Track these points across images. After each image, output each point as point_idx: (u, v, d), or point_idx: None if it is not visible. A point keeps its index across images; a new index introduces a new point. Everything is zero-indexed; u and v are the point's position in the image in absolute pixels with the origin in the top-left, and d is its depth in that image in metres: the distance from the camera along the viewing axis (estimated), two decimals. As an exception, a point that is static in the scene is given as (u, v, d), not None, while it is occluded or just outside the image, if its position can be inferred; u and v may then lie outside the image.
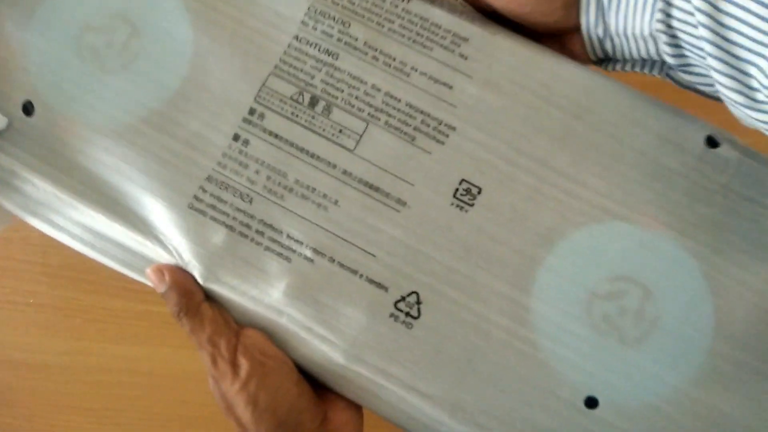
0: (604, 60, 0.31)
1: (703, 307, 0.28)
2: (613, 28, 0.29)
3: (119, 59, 0.29)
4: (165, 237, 0.28)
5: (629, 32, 0.28)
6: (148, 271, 0.28)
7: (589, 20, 0.29)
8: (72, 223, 0.29)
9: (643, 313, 0.28)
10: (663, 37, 0.27)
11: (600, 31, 0.29)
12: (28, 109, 0.29)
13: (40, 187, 0.29)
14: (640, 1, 0.27)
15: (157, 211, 0.28)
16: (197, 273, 0.28)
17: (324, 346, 0.28)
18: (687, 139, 0.29)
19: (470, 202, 0.28)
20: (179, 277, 0.28)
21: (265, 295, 0.28)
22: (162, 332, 0.44)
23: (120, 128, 0.29)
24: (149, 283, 0.28)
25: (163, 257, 0.28)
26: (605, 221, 0.28)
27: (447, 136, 0.29)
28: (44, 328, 0.47)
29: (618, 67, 0.31)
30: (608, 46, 0.30)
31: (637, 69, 0.31)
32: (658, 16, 0.27)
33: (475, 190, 0.28)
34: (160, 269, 0.28)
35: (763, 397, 0.27)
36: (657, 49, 0.29)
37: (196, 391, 0.43)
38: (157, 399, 0.45)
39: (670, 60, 0.28)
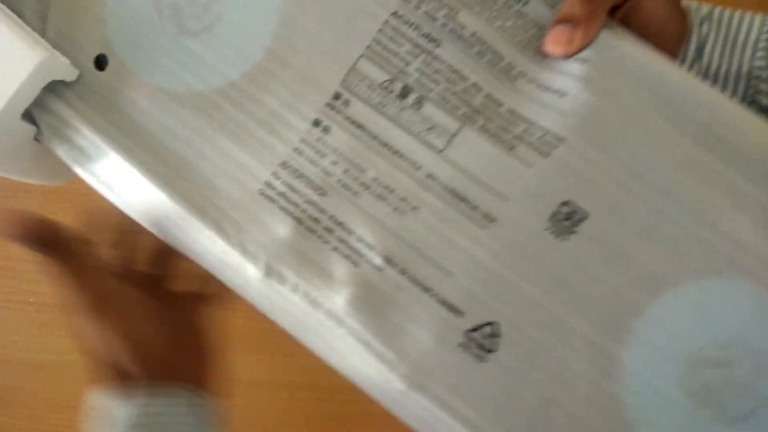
0: None
1: None
2: (705, 63, 0.27)
3: (200, 21, 0.26)
4: (227, 222, 0.26)
5: (723, 70, 0.27)
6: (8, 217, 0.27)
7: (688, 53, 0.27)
8: (128, 191, 0.27)
9: (750, 389, 0.24)
10: (765, 74, 0.25)
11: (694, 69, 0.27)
12: (100, 62, 0.27)
13: (103, 149, 0.26)
14: (739, 39, 0.26)
15: (223, 193, 0.26)
16: (259, 265, 0.26)
17: (382, 365, 0.25)
18: None
19: (571, 228, 0.25)
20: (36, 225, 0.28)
21: (327, 300, 0.25)
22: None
23: (195, 98, 0.26)
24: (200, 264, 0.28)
25: (219, 244, 0.26)
26: (729, 275, 0.24)
27: (554, 148, 0.25)
28: (44, 328, 0.47)
29: None
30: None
31: None
32: (760, 54, 0.25)
33: (578, 216, 0.24)
34: (18, 219, 0.28)
35: None
36: (749, 89, 0.27)
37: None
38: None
39: (766, 101, 0.26)
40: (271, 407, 0.42)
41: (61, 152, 0.27)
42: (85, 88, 0.27)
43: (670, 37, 0.28)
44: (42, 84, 0.26)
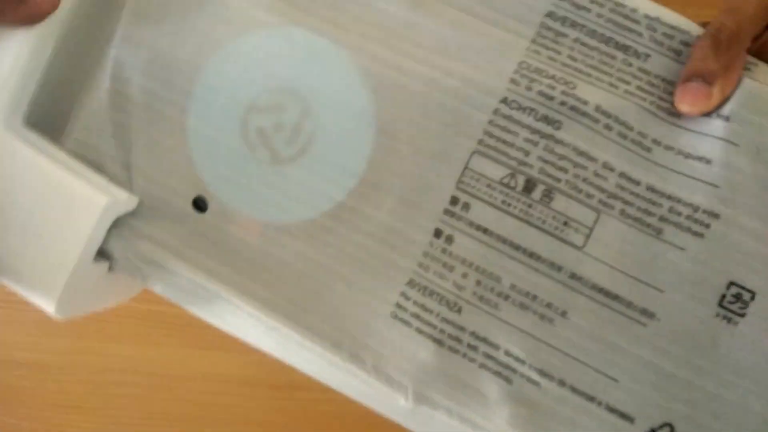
0: None
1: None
2: None
3: (292, 145, 0.25)
4: (365, 351, 0.24)
5: None
6: None
7: None
8: (250, 327, 0.26)
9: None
10: None
11: None
12: (199, 205, 0.25)
13: (215, 292, 0.25)
14: None
15: (354, 321, 0.24)
16: (407, 394, 0.24)
17: None
18: None
19: (741, 311, 0.22)
20: None
21: (486, 421, 0.23)
22: (163, 332, 0.44)
23: (305, 226, 0.24)
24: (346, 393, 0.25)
25: (360, 375, 0.24)
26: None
27: (707, 226, 0.22)
28: (44, 327, 0.47)
29: None
30: None
31: None
32: None
33: (746, 296, 0.22)
34: None
35: None
36: None
37: (197, 392, 0.43)
38: (157, 399, 0.45)
39: None
40: (270, 407, 0.42)
41: (178, 300, 0.26)
42: (188, 232, 0.25)
43: None
44: (107, 225, 0.25)
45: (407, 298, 0.24)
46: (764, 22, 0.23)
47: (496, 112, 0.23)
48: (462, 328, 0.23)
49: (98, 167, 0.25)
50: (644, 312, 0.23)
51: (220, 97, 0.25)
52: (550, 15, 0.24)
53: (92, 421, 0.46)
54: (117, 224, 0.25)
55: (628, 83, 0.23)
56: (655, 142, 0.23)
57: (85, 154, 0.25)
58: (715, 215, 0.22)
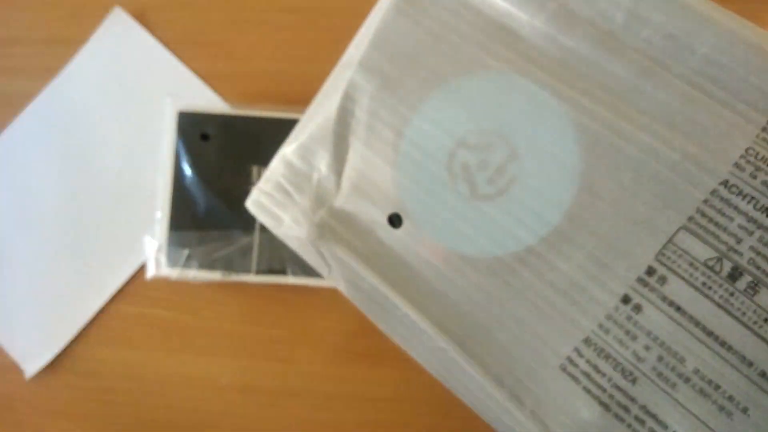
0: None
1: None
2: None
3: (494, 185, 0.25)
4: (527, 394, 0.24)
5: None
6: None
7: None
8: (421, 343, 0.26)
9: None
10: None
11: None
12: (394, 221, 0.27)
13: (395, 304, 0.26)
14: None
15: (521, 363, 0.24)
16: None
17: None
18: None
19: None
20: None
21: None
22: (155, 336, 0.43)
23: (491, 262, 0.25)
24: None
25: (517, 416, 0.24)
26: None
27: None
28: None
29: None
30: None
31: None
32: None
33: None
34: None
35: None
36: None
37: (188, 398, 0.42)
38: (149, 404, 0.44)
39: None
40: (265, 414, 0.41)
41: (355, 301, 0.27)
42: (379, 242, 0.27)
43: None
44: None
45: (581, 356, 0.24)
46: None
47: (714, 192, 0.23)
48: (633, 399, 0.23)
49: (313, 169, 0.28)
50: None
51: (434, 129, 0.26)
52: None
53: (84, 426, 0.45)
54: (320, 223, 0.27)
55: None
56: None
57: (305, 155, 0.28)
58: None
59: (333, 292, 0.39)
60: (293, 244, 0.29)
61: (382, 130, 0.27)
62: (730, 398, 0.22)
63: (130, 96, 0.43)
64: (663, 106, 0.24)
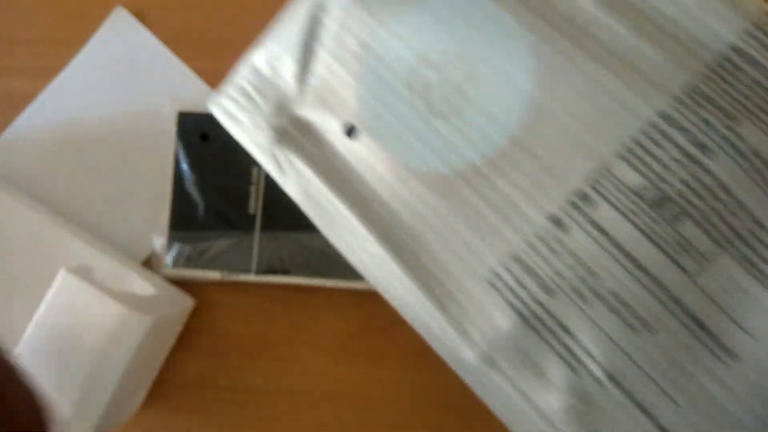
0: None
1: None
2: None
3: (449, 102, 0.26)
4: (451, 301, 0.26)
5: None
6: None
7: None
8: (359, 248, 0.28)
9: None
10: None
11: None
12: (350, 131, 0.28)
13: (339, 209, 0.28)
14: None
15: (451, 273, 0.26)
16: (473, 349, 0.25)
17: None
18: None
19: None
20: None
21: (542, 401, 0.25)
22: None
23: (436, 177, 0.26)
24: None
25: (442, 323, 0.26)
26: None
27: None
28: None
29: None
30: None
31: None
32: None
33: None
34: None
35: None
36: None
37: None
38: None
39: None
40: (265, 414, 0.41)
41: (304, 206, 0.29)
42: (333, 153, 0.28)
43: None
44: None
45: (507, 270, 0.25)
46: None
47: (652, 124, 0.23)
48: (550, 313, 0.24)
49: (277, 76, 0.29)
50: (729, 352, 0.23)
51: (400, 45, 0.27)
52: (734, 48, 0.24)
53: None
54: (280, 129, 0.28)
55: None
56: None
57: (270, 62, 0.29)
58: None
59: (333, 292, 0.39)
60: (251, 149, 0.29)
61: (350, 41, 0.28)
62: (639, 318, 0.23)
63: (130, 96, 0.43)
64: (616, 37, 0.25)
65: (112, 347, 0.34)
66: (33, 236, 0.40)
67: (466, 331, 0.25)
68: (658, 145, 0.24)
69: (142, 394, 0.41)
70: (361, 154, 0.27)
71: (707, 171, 0.23)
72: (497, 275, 0.25)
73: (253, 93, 0.29)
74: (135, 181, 0.42)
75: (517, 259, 0.25)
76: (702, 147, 0.23)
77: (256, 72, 0.29)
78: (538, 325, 0.24)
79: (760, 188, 0.23)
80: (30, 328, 0.34)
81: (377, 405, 0.41)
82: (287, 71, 0.29)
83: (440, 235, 0.26)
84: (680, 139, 0.23)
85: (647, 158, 0.24)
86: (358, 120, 0.27)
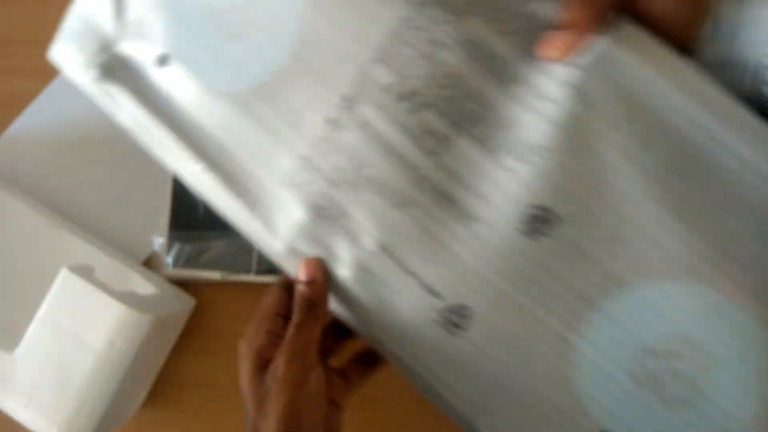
0: None
1: (757, 389, 0.26)
2: (726, 51, 0.27)
3: (235, 26, 0.29)
4: (258, 204, 0.30)
5: (734, 57, 0.27)
6: (305, 259, 0.29)
7: (707, 37, 0.27)
8: (183, 170, 0.31)
9: (695, 381, 0.26)
10: None
11: (718, 50, 0.28)
12: (163, 60, 0.30)
13: (158, 129, 0.30)
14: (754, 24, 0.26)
15: (254, 177, 0.29)
16: (281, 242, 0.29)
17: (374, 329, 0.30)
18: None
19: (543, 231, 0.27)
20: (323, 276, 0.30)
21: (338, 274, 0.29)
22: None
23: (234, 95, 0.29)
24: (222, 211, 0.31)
25: (252, 221, 0.30)
26: (683, 280, 0.26)
27: (535, 155, 0.26)
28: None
29: None
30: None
31: None
32: None
33: (551, 220, 0.27)
34: (316, 263, 0.29)
35: None
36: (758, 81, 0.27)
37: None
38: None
39: None
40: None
41: (135, 134, 0.31)
42: (147, 80, 0.31)
43: (682, 21, 0.27)
44: None
45: (299, 170, 0.29)
46: None
47: (394, 28, 0.27)
48: (332, 200, 0.28)
49: (98, 16, 0.31)
50: (469, 216, 0.27)
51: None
52: None
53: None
54: (106, 67, 0.31)
55: (511, 23, 0.27)
56: (519, 80, 0.27)
57: (92, 6, 0.31)
58: (544, 148, 0.26)
59: (333, 292, 0.39)
60: (86, 90, 0.32)
61: None
62: (398, 195, 0.28)
63: (130, 96, 0.43)
64: None
65: (113, 346, 0.34)
66: (33, 236, 0.40)
67: (272, 226, 0.29)
68: (403, 44, 0.27)
69: (142, 394, 0.41)
70: (174, 81, 0.30)
71: (442, 63, 0.27)
72: (290, 175, 0.29)
73: (78, 37, 0.32)
74: (135, 181, 0.42)
75: (306, 159, 0.29)
76: (436, 43, 0.27)
77: (80, 16, 0.32)
78: (326, 213, 0.29)
79: (485, 73, 0.27)
80: (31, 328, 0.34)
81: (377, 405, 0.42)
82: (105, 11, 0.31)
83: (244, 147, 0.29)
84: (419, 37, 0.27)
85: (394, 58, 0.27)
86: (169, 48, 0.30)
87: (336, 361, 0.34)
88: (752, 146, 0.26)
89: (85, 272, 0.35)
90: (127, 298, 0.35)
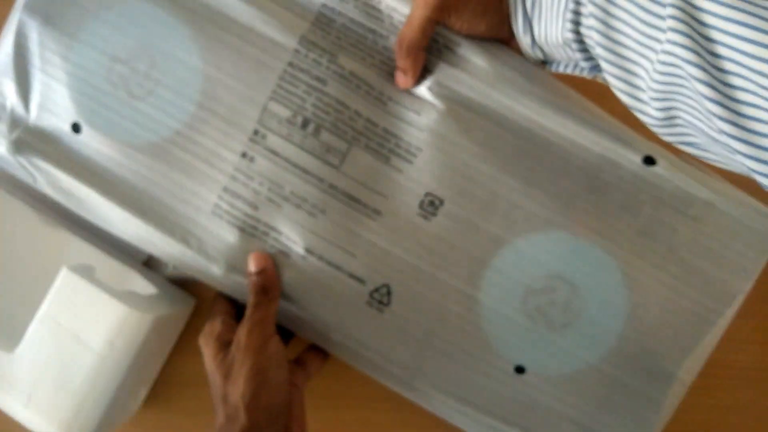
0: (544, 61, 0.34)
1: (620, 299, 0.34)
2: (536, 36, 0.32)
3: (142, 86, 0.34)
4: (191, 237, 0.34)
5: (549, 40, 0.31)
6: (253, 254, 0.34)
7: (518, 30, 0.32)
8: (110, 219, 0.35)
9: (570, 305, 0.34)
10: (574, 45, 0.30)
11: (528, 40, 0.32)
12: (76, 128, 0.34)
13: (85, 193, 0.34)
14: (553, 12, 0.30)
15: (184, 216, 0.34)
16: (217, 265, 0.34)
17: (316, 324, 0.35)
18: (625, 158, 0.33)
19: (433, 212, 0.33)
20: (272, 264, 0.34)
21: (283, 280, 0.34)
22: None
23: (151, 147, 0.34)
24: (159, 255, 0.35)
25: (188, 254, 0.34)
26: (544, 231, 0.33)
27: (415, 156, 0.33)
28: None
29: (554, 67, 0.34)
30: (539, 52, 0.33)
31: (569, 71, 0.34)
32: (568, 26, 0.30)
33: (437, 202, 0.33)
34: (264, 256, 0.34)
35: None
36: (573, 54, 0.31)
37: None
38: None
39: (583, 64, 0.31)
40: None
41: (59, 198, 0.35)
42: (67, 149, 0.34)
43: (497, 28, 0.33)
44: None
45: (222, 200, 0.34)
46: (430, 31, 0.32)
47: (284, 71, 0.33)
48: (258, 220, 0.34)
49: (4, 98, 0.35)
50: (375, 211, 0.33)
51: (92, 50, 0.34)
52: (324, 6, 0.34)
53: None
54: (17, 141, 0.35)
55: (373, 57, 0.34)
56: (390, 99, 0.33)
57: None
58: (420, 149, 0.33)
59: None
60: (2, 165, 0.35)
61: (52, 57, 0.34)
62: (314, 205, 0.33)
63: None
64: (247, 15, 0.33)
65: (113, 346, 0.34)
66: (34, 235, 0.40)
67: (207, 254, 0.34)
68: (292, 84, 0.33)
69: (142, 394, 0.41)
70: (90, 144, 0.34)
71: (326, 94, 0.33)
72: (217, 206, 0.34)
73: None
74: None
75: (227, 190, 0.34)
76: (318, 79, 0.33)
77: None
78: (254, 231, 0.34)
79: (362, 97, 0.33)
80: (31, 328, 0.34)
81: (377, 405, 0.42)
82: (11, 92, 0.35)
83: (168, 190, 0.34)
84: (304, 77, 0.33)
85: (288, 96, 0.33)
86: (78, 118, 0.34)
87: (291, 353, 0.36)
88: (563, 126, 0.33)
89: (85, 272, 0.35)
90: (127, 298, 0.35)
